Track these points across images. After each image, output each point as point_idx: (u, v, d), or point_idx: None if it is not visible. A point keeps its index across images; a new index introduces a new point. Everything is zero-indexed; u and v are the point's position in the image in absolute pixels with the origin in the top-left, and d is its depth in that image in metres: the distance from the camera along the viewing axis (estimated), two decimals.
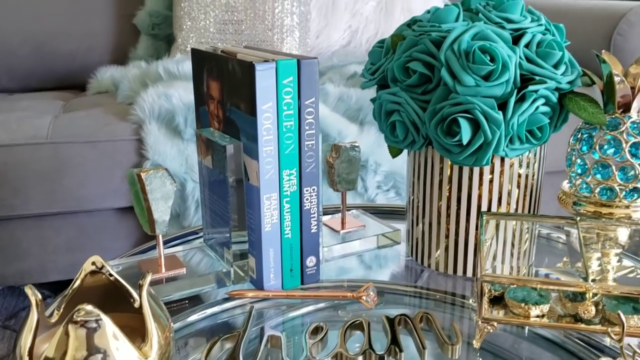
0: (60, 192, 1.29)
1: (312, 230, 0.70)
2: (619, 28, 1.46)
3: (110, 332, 0.47)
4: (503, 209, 0.70)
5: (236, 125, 0.67)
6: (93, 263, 0.54)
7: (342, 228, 0.82)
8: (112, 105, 1.42)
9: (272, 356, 0.59)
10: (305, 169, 0.67)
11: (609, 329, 0.50)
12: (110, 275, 0.54)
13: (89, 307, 0.47)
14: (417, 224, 0.75)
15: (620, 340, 0.47)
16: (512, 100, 0.62)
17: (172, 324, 0.54)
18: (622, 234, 0.67)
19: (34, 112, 1.42)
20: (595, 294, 0.58)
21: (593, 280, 0.56)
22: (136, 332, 0.52)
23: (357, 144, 0.79)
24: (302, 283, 0.71)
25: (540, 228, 0.76)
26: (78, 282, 0.54)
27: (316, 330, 0.60)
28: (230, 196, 0.67)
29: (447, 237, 0.72)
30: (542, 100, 0.63)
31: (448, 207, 0.71)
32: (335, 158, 0.78)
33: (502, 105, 0.63)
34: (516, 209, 0.70)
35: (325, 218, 0.85)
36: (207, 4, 1.52)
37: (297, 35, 1.54)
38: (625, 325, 0.47)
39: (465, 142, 0.63)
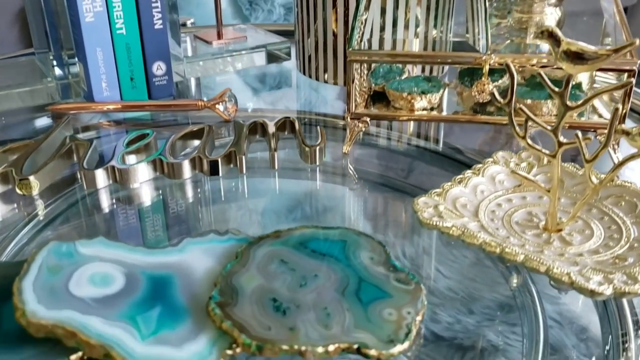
0: None
1: (156, 26, 0.54)
2: None
3: None
4: None
5: None
6: None
7: (218, 39, 0.66)
8: None
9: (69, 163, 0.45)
10: None
11: (515, 118, 0.34)
12: None
13: None
14: (309, 34, 0.59)
15: (525, 131, 0.33)
16: None
17: None
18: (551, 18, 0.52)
19: None
20: (498, 77, 0.44)
21: (493, 52, 0.41)
22: None
23: None
24: (149, 97, 0.56)
25: None
26: None
27: (142, 138, 0.46)
28: None
29: (334, 47, 0.56)
30: None
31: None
32: None
33: None
34: None
35: (200, 32, 0.69)
36: None
37: None
38: (528, 112, 0.32)
39: None
